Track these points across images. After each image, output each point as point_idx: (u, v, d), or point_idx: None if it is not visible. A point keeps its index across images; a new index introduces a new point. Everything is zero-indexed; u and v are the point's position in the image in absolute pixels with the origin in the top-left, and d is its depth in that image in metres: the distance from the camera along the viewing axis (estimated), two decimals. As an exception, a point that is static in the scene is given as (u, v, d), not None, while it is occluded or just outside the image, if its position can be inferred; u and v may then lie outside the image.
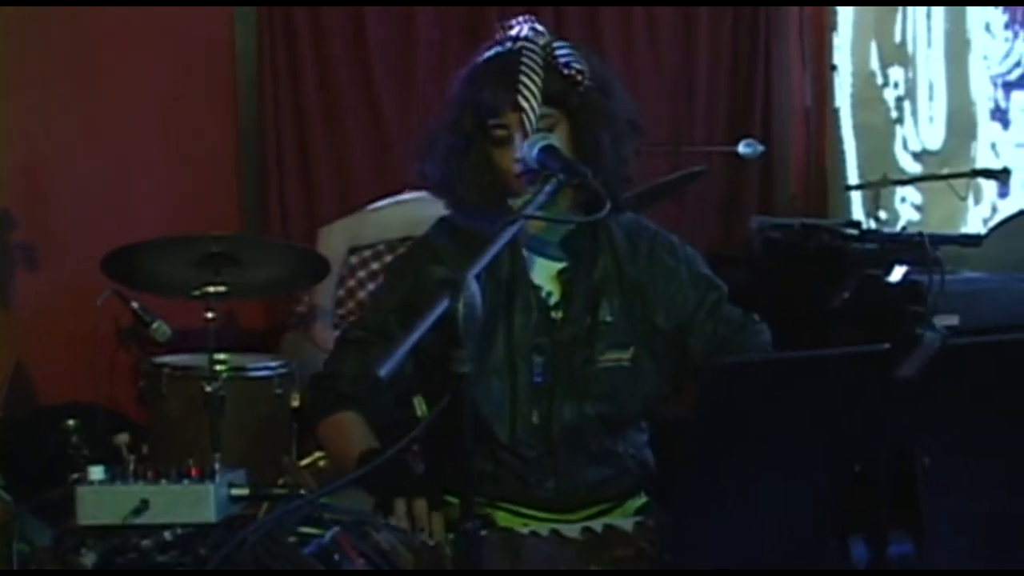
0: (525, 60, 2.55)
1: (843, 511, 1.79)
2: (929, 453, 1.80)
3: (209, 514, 2.10)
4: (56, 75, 5.34)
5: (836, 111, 6.08)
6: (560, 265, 2.68)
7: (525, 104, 2.52)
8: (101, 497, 2.11)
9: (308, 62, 5.51)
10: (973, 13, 5.17)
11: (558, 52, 2.58)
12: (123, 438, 3.66)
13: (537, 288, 2.66)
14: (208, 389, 3.88)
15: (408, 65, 5.64)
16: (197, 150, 5.51)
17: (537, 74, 2.53)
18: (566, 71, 2.56)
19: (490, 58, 2.62)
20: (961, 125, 5.26)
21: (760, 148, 5.19)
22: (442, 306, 1.91)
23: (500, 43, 2.63)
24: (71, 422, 3.93)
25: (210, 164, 5.53)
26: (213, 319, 3.86)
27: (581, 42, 2.71)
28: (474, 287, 1.94)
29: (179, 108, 5.50)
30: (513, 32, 2.62)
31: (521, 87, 2.52)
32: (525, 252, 2.66)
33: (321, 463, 3.88)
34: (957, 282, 3.98)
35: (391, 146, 5.49)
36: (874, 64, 5.83)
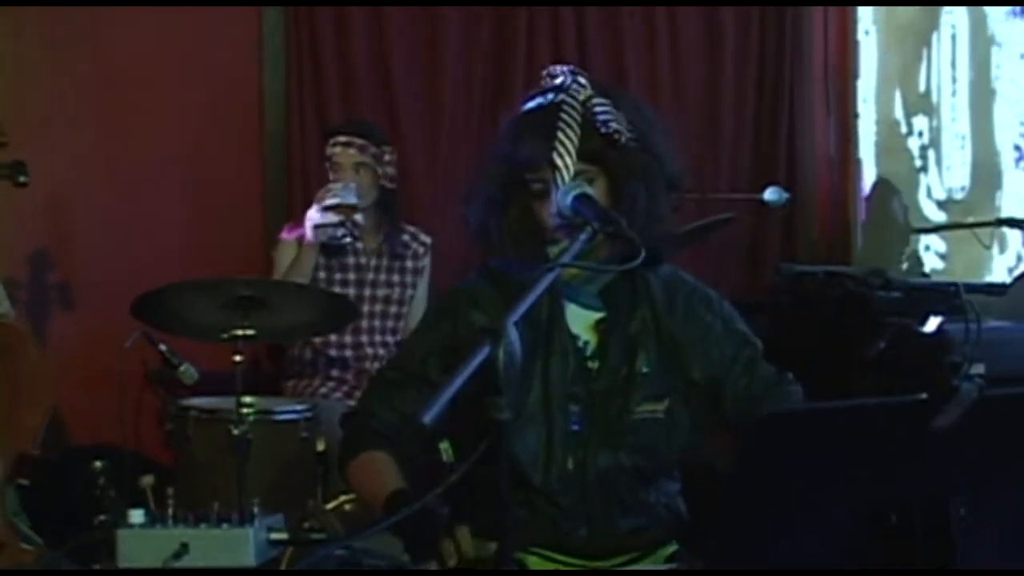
0: (563, 116, 2.57)
1: (879, 560, 1.80)
2: (964, 504, 1.80)
3: (248, 558, 2.11)
4: (83, 115, 5.37)
5: (859, 161, 6.10)
6: (598, 315, 2.69)
7: (559, 161, 2.53)
8: (141, 540, 2.13)
9: (335, 104, 5.54)
10: (998, 63, 5.19)
11: (596, 109, 2.58)
12: (148, 480, 3.68)
13: (575, 337, 2.67)
14: (235, 432, 3.87)
15: (435, 107, 5.68)
16: (225, 191, 5.54)
17: (574, 131, 2.55)
18: (603, 130, 2.57)
19: (530, 111, 2.64)
20: (986, 174, 5.27)
21: (785, 195, 5.19)
22: (483, 353, 1.92)
23: (543, 93, 2.64)
24: (98, 463, 3.93)
25: (238, 206, 5.55)
26: (240, 362, 3.88)
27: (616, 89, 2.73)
28: (513, 335, 1.95)
29: (207, 149, 5.52)
30: (557, 81, 2.64)
31: (557, 144, 2.54)
32: (563, 300, 2.67)
33: (347, 507, 3.88)
34: (983, 331, 3.98)
35: (417, 186, 5.52)
36: (898, 113, 5.85)
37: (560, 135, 2.54)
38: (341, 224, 4.61)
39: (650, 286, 2.72)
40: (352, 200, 4.59)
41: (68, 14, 5.29)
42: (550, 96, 2.63)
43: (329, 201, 4.55)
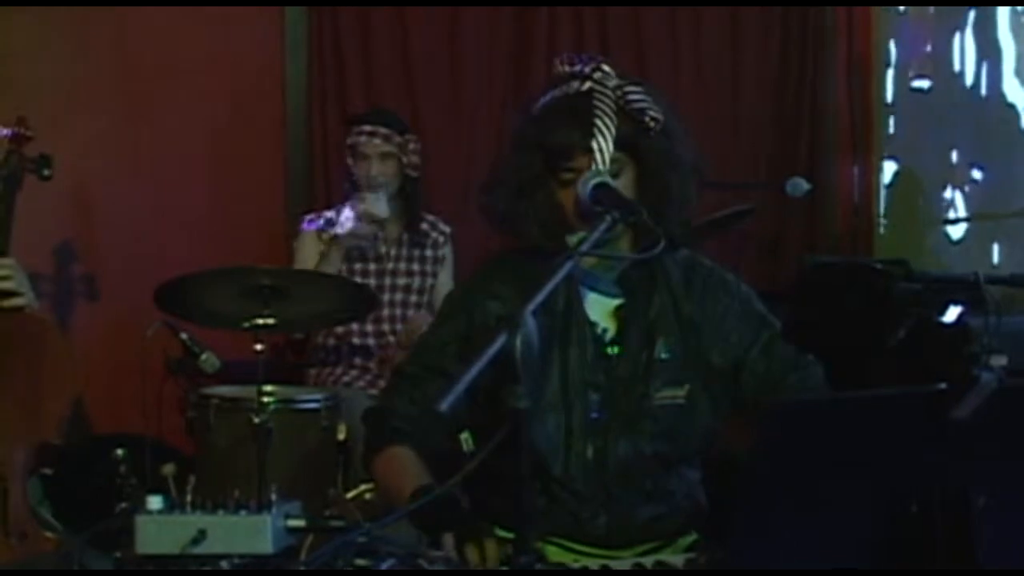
0: (598, 103, 2.56)
1: (899, 551, 1.79)
2: (985, 494, 1.80)
3: (266, 545, 2.11)
4: (108, 108, 5.40)
5: (882, 150, 6.07)
6: (617, 301, 2.69)
7: (597, 147, 2.52)
8: (160, 527, 2.13)
9: (357, 94, 5.57)
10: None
11: (631, 96, 2.58)
12: (170, 468, 3.68)
13: (593, 324, 2.67)
14: (256, 421, 3.90)
15: (456, 95, 5.71)
16: (247, 182, 5.56)
17: (611, 118, 2.54)
18: (639, 116, 2.57)
19: (559, 99, 2.62)
20: (1012, 164, 5.24)
21: (807, 187, 5.19)
22: (500, 342, 1.92)
23: (566, 81, 2.63)
24: (120, 452, 3.95)
25: (259, 196, 5.58)
26: (262, 351, 3.89)
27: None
28: (531, 323, 1.95)
29: (229, 140, 5.55)
30: (577, 68, 2.62)
31: (596, 131, 2.53)
32: (581, 288, 2.67)
33: (367, 496, 3.89)
34: (1005, 323, 3.97)
35: (438, 181, 5.51)
36: (924, 101, 5.81)
37: (598, 122, 2.53)
38: (374, 237, 4.68)
39: (668, 271, 2.71)
40: (382, 214, 4.62)
41: (94, 8, 5.31)
42: (576, 85, 2.61)
43: (361, 208, 4.61)
